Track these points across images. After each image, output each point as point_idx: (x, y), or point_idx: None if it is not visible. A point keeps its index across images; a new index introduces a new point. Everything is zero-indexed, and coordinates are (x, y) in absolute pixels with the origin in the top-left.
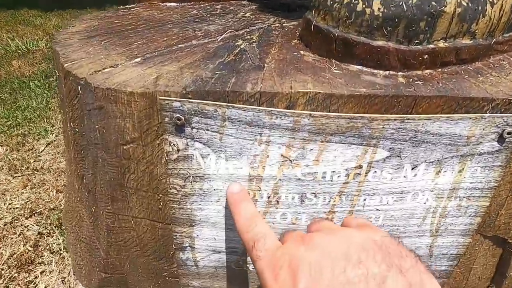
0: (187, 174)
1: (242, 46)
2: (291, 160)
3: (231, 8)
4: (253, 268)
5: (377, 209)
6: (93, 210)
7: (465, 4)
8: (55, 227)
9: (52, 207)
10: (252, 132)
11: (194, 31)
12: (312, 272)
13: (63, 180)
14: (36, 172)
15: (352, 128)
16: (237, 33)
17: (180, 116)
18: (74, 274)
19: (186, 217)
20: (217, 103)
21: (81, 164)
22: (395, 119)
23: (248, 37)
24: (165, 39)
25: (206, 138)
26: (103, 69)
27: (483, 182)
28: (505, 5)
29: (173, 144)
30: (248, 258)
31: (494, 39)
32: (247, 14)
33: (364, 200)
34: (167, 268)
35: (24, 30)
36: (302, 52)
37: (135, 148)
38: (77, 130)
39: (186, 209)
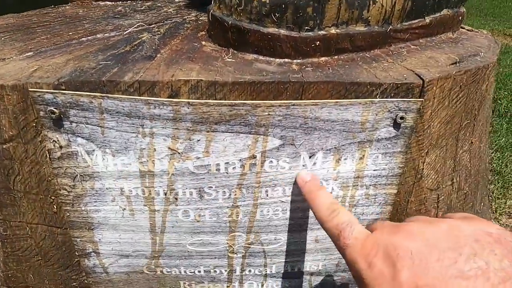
0: (74, 173)
1: (144, 38)
2: (179, 153)
3: (158, 5)
4: (167, 272)
5: (282, 201)
6: None
7: None
8: None
9: None
10: (133, 124)
11: (106, 26)
12: (415, 261)
13: None
14: None
15: (236, 115)
16: (148, 26)
17: (54, 109)
18: None
19: (82, 220)
20: (91, 93)
21: None
22: (279, 105)
23: (156, 29)
24: (70, 33)
25: (88, 133)
26: None
27: (386, 169)
28: None
29: (54, 141)
30: (161, 261)
31: (391, 27)
32: (170, 10)
33: (266, 192)
34: (76, 277)
35: None
36: (204, 42)
37: (15, 147)
38: None
39: (81, 211)
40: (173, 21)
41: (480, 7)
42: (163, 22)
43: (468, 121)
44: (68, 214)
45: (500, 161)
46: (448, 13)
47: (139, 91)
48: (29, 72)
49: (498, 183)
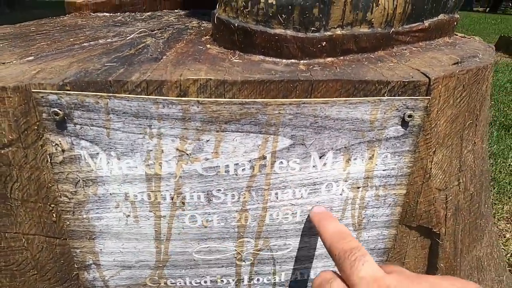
0: (76, 178)
1: (147, 42)
2: (188, 154)
3: (159, 14)
4: (172, 283)
5: (292, 204)
6: None
7: None
8: None
9: None
10: (140, 124)
11: (107, 33)
12: None
13: None
14: None
15: (247, 114)
16: (150, 32)
17: (58, 111)
18: None
19: (83, 229)
20: (97, 93)
21: None
22: (290, 103)
23: (160, 35)
24: (71, 39)
25: (93, 135)
26: None
27: (395, 169)
28: None
29: (56, 144)
30: (165, 272)
31: (393, 29)
32: (171, 18)
33: (276, 194)
34: None
35: None
36: (208, 46)
37: (15, 152)
38: None
39: (82, 220)
40: (175, 27)
41: (461, 23)
42: (165, 28)
43: (471, 121)
44: (68, 223)
45: (494, 167)
46: (445, 18)
47: (146, 91)
48: (31, 74)
49: (494, 188)
